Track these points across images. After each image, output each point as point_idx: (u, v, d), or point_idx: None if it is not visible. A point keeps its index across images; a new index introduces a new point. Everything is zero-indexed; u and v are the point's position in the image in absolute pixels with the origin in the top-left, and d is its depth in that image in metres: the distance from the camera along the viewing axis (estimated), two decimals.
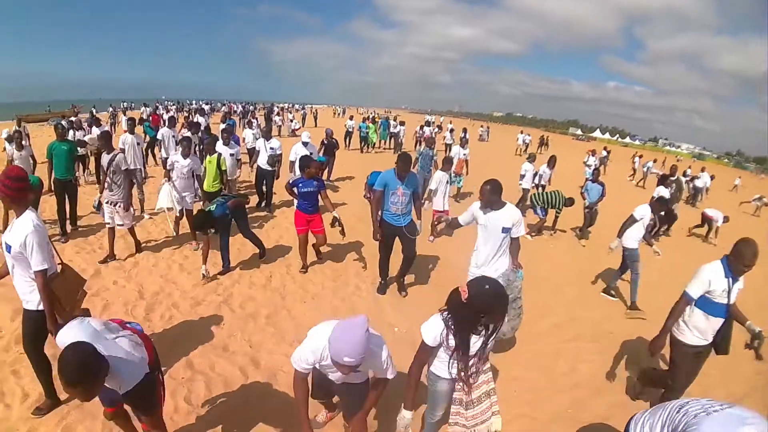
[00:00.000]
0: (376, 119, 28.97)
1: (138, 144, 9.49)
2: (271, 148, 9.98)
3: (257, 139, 12.18)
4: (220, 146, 8.69)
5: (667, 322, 3.93)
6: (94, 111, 29.78)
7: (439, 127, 33.42)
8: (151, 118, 21.80)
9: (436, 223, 5.93)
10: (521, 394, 4.55)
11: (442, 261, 7.86)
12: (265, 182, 10.15)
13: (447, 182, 8.96)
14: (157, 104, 39.01)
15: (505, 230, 4.42)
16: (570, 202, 10.54)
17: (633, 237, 6.73)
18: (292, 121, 30.91)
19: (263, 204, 10.40)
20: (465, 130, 24.35)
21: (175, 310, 5.42)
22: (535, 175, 11.98)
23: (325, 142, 13.44)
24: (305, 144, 10.12)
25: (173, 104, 44.81)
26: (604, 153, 29.60)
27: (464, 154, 12.84)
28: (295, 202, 6.66)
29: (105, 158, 6.67)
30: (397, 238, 6.10)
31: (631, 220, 6.65)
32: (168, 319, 5.20)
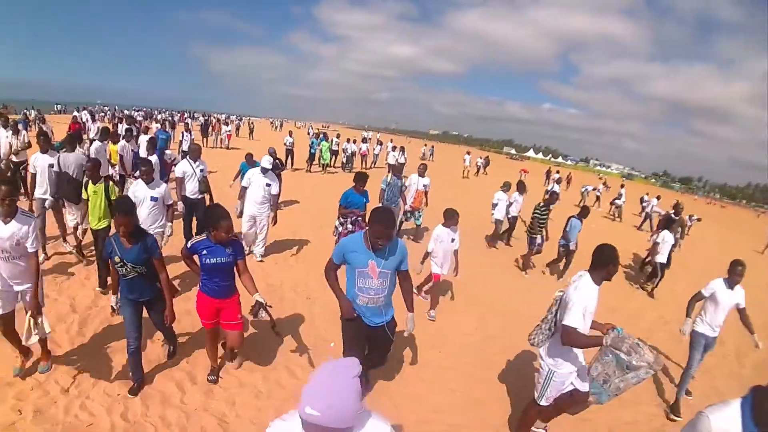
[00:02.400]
0: (329, 136, 26.05)
1: (51, 166, 7.03)
2: (202, 170, 7.95)
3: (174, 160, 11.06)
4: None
5: None
6: (27, 113, 28.30)
7: (380, 143, 32.17)
8: (69, 126, 18.16)
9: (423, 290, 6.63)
10: (458, 405, 4.80)
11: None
12: (195, 213, 7.98)
13: (452, 240, 6.79)
14: (80, 110, 36.05)
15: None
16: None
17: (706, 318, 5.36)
18: (227, 131, 28.74)
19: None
20: (402, 149, 24.44)
21: (107, 325, 5.29)
22: (509, 205, 11.25)
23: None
24: (264, 171, 7.81)
25: (104, 110, 42.97)
26: (557, 176, 28.96)
27: (424, 186, 10.62)
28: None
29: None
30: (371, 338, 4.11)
31: (701, 297, 5.37)
32: (102, 333, 5.09)
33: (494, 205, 11.25)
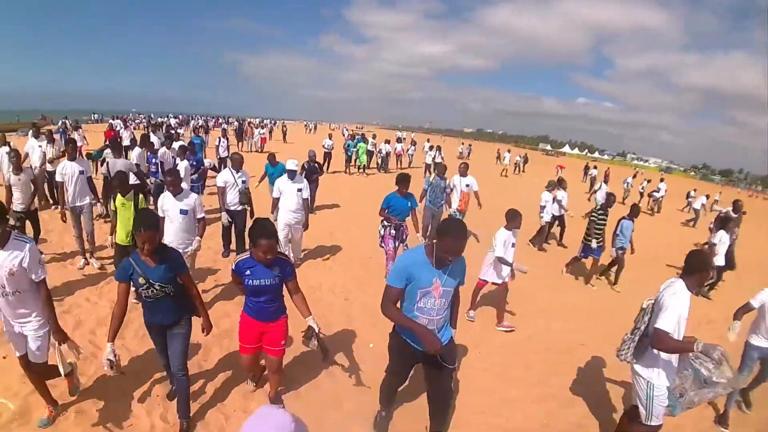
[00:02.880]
0: (366, 137, 25.57)
1: (82, 173, 7.10)
2: (243, 181, 7.68)
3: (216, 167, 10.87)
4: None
5: None
6: (68, 122, 28.68)
7: (414, 143, 31.99)
8: (105, 134, 18.46)
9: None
10: (495, 406, 4.68)
11: None
12: (234, 226, 7.83)
13: (513, 245, 6.30)
14: (114, 119, 36.26)
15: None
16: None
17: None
18: (261, 134, 29.46)
19: (227, 254, 8.06)
20: (438, 148, 23.87)
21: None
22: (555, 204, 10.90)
23: (306, 166, 11.28)
24: (291, 174, 7.44)
25: (141, 118, 43.66)
26: (594, 172, 28.73)
27: (467, 186, 9.69)
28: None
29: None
30: (420, 366, 3.69)
31: (749, 308, 4.78)
32: (142, 337, 5.07)
33: (542, 207, 10.86)
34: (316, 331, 3.75)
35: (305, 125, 72.95)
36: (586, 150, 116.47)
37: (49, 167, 10.08)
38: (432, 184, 9.33)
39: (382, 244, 7.35)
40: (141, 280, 3.42)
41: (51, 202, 10.52)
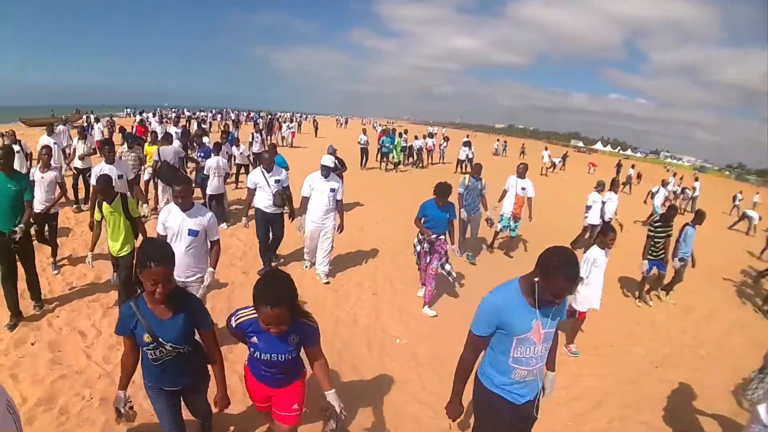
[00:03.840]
0: (399, 131, 22.86)
1: (120, 177, 7.49)
2: (277, 181, 6.81)
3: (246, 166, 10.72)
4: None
5: None
6: (91, 117, 28.16)
7: (446, 139, 30.03)
8: (135, 129, 17.63)
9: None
10: None
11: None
12: (272, 231, 7.07)
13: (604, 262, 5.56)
14: (141, 113, 36.04)
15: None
16: None
17: None
18: (290, 128, 28.94)
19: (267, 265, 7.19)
20: (469, 144, 22.75)
21: None
22: (603, 206, 10.00)
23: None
24: (325, 171, 6.69)
25: (171, 112, 44.06)
26: (631, 171, 27.72)
27: (523, 189, 8.77)
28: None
29: None
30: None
31: None
32: None
33: (588, 208, 10.03)
34: (339, 412, 2.76)
35: (336, 120, 72.88)
36: (619, 147, 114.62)
37: (79, 164, 9.89)
38: (468, 187, 8.33)
39: (417, 261, 6.62)
40: (146, 338, 2.58)
41: (73, 201, 9.81)
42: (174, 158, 9.48)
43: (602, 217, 9.93)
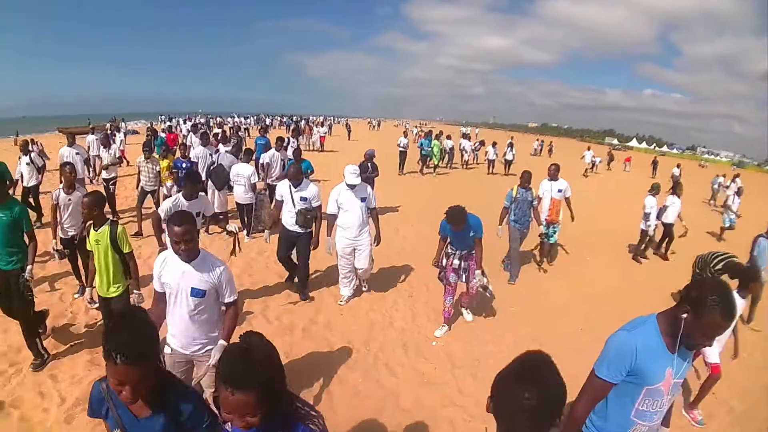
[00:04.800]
0: (440, 133, 21.79)
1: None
2: (303, 199, 5.94)
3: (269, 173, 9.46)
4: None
5: None
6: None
7: (482, 142, 27.70)
8: (166, 136, 17.01)
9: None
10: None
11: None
12: (298, 253, 6.28)
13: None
14: (168, 120, 36.36)
15: None
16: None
17: None
18: (320, 132, 27.76)
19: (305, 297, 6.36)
20: (511, 146, 22.23)
21: None
22: (660, 211, 9.45)
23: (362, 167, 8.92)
24: (352, 185, 5.92)
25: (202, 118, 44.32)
26: (676, 171, 24.61)
27: (559, 191, 7.98)
28: None
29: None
30: None
31: None
32: None
33: (646, 215, 9.34)
34: None
35: (368, 122, 73.12)
36: (654, 144, 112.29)
37: (104, 174, 9.57)
38: (516, 199, 7.38)
39: (441, 275, 5.77)
40: None
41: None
42: (227, 164, 9.07)
43: (662, 220, 9.50)
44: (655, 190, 9.57)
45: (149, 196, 8.81)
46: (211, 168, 9.08)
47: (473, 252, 5.49)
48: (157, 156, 9.15)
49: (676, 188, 9.68)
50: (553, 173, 8.09)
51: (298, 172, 6.06)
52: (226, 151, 9.73)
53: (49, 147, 15.83)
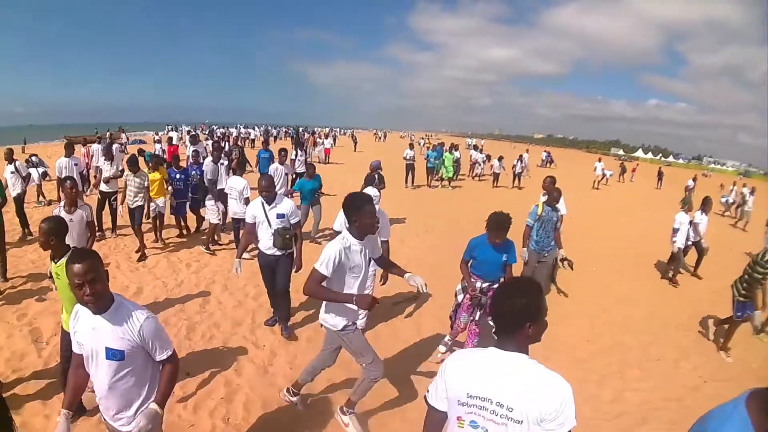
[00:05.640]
0: (452, 146, 21.67)
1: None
2: (280, 216, 5.18)
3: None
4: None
5: None
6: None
7: (488, 156, 26.08)
8: (166, 150, 16.06)
9: None
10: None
11: None
12: (276, 279, 5.38)
13: None
14: (174, 129, 35.10)
15: None
16: None
17: None
18: (323, 144, 26.81)
19: (272, 321, 5.75)
20: (521, 158, 21.83)
21: (216, 330, 5.45)
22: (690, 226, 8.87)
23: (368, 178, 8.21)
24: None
25: (209, 129, 43.75)
26: (691, 183, 23.71)
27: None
28: None
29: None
30: None
31: None
32: (209, 339, 5.25)
33: (675, 231, 8.75)
34: None
35: (374, 134, 73.21)
36: (660, 154, 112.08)
37: (105, 187, 8.73)
38: (541, 218, 6.51)
39: (452, 313, 5.23)
40: None
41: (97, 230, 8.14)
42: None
43: (695, 237, 8.96)
44: (686, 205, 9.06)
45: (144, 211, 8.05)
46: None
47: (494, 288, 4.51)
48: (146, 170, 8.40)
49: (705, 205, 9.06)
50: (553, 197, 6.94)
51: (271, 184, 5.23)
52: (212, 161, 9.12)
53: (58, 155, 15.74)
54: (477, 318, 4.86)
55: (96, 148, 13.25)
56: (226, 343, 5.15)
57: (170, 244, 8.75)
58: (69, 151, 9.58)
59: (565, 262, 6.43)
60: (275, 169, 9.40)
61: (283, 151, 9.92)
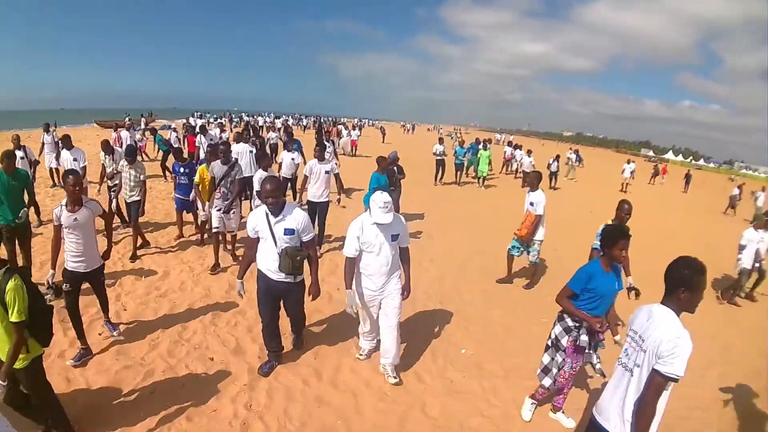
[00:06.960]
0: (488, 141, 20.29)
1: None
2: (289, 232, 4.00)
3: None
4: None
5: None
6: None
7: (518, 147, 24.39)
8: (186, 140, 15.29)
9: None
10: None
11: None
12: (287, 311, 4.54)
13: None
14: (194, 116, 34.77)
15: None
16: None
17: None
18: (350, 136, 25.55)
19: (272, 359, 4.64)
20: (557, 157, 20.82)
21: (240, 317, 5.44)
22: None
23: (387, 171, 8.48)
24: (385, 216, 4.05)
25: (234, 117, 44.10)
26: (736, 191, 21.84)
27: (531, 204, 6.88)
28: None
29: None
30: None
31: None
32: (234, 325, 5.24)
33: (741, 248, 7.96)
34: None
35: (402, 126, 72.58)
36: (691, 157, 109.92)
37: (109, 183, 8.20)
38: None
39: (556, 357, 3.87)
40: None
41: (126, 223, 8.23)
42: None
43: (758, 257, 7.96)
44: (759, 221, 8.20)
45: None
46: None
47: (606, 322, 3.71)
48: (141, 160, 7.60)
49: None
50: (533, 181, 6.92)
51: (276, 188, 3.96)
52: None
53: (88, 139, 15.88)
54: (582, 362, 3.86)
55: (125, 135, 13.43)
56: (251, 330, 5.12)
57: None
58: (68, 144, 8.51)
59: (633, 292, 4.86)
60: (312, 165, 7.71)
61: (320, 146, 8.07)
